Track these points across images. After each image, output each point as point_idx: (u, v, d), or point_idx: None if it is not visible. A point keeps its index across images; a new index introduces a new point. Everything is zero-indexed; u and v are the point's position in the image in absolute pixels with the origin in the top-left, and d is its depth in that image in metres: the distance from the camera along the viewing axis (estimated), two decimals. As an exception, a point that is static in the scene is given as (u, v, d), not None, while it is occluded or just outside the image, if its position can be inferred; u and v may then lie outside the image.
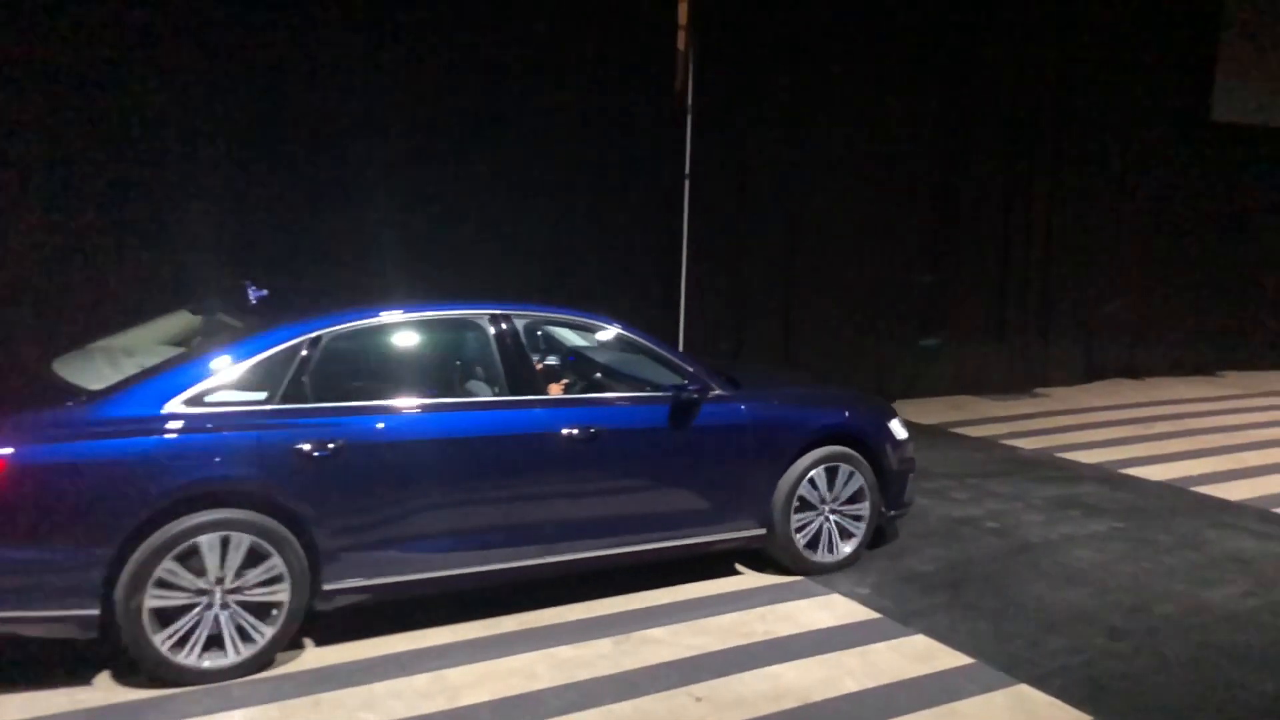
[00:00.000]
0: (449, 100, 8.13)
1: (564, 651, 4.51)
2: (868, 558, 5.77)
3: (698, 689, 4.22)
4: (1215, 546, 6.19)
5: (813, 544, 5.48)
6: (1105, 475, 7.81)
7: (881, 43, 10.04)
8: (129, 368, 4.39)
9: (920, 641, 4.74)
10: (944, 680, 4.37)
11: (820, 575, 5.47)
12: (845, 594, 5.26)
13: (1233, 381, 12.42)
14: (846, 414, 5.75)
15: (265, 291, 5.07)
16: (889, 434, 5.81)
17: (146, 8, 7.07)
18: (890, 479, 5.74)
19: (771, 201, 9.73)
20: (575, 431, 4.81)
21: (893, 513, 5.87)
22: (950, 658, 4.58)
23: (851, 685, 4.29)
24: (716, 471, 5.26)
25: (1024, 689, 4.30)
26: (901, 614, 5.04)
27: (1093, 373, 12.00)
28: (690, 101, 9.18)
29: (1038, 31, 11.01)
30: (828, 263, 10.01)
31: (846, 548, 5.59)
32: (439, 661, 4.38)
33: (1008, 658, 4.58)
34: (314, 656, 4.40)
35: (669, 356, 5.31)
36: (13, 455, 3.83)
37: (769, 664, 4.45)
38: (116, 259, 7.12)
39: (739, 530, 5.34)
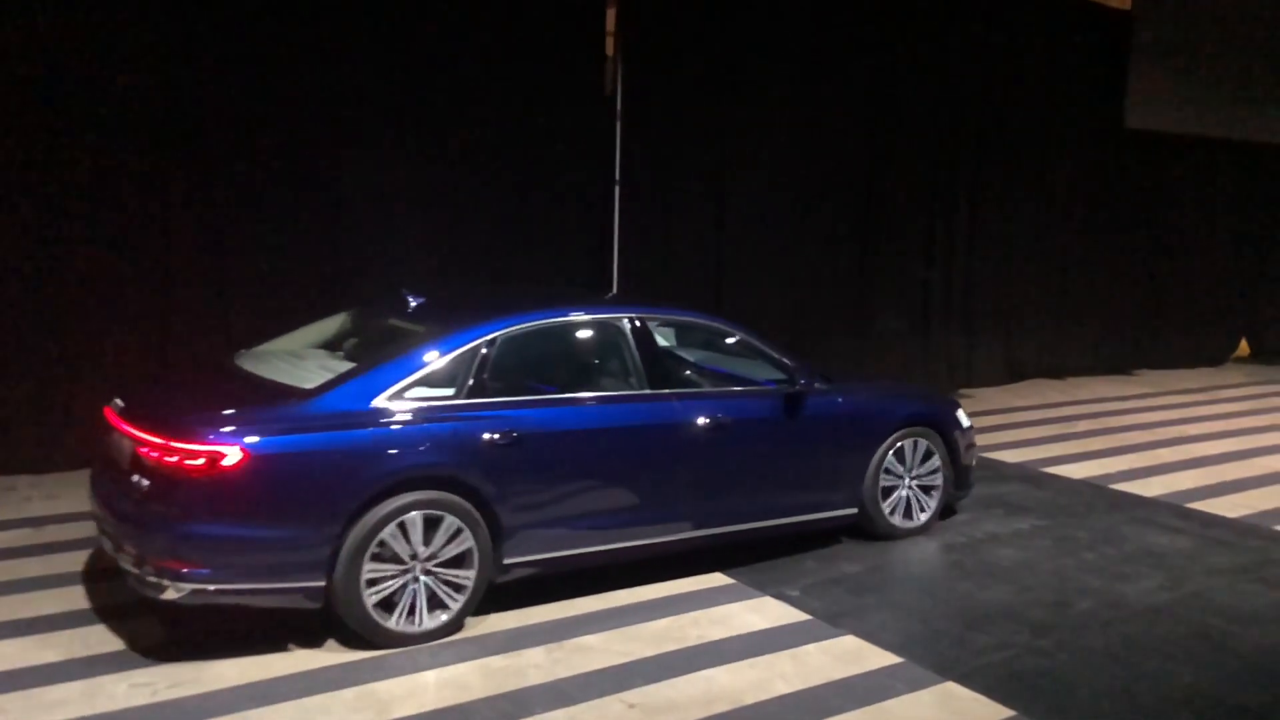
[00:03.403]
0: (384, 102, 8.05)
1: (496, 661, 4.48)
2: (797, 559, 5.86)
3: (630, 695, 4.22)
4: (1132, 542, 6.37)
5: (895, 513, 6.21)
6: (1028, 474, 7.99)
7: (808, 49, 10.16)
8: (312, 367, 4.96)
9: (850, 642, 4.80)
10: (873, 680, 4.43)
11: (906, 538, 6.23)
12: (776, 596, 5.31)
13: (1148, 380, 12.82)
14: (926, 404, 6.55)
15: (422, 298, 5.50)
16: (958, 422, 6.53)
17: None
18: (959, 461, 6.46)
19: (701, 204, 9.79)
20: (706, 421, 5.37)
21: (960, 492, 6.62)
22: (879, 657, 4.64)
23: (783, 687, 4.33)
24: (820, 457, 5.92)
25: (951, 686, 4.38)
26: (831, 615, 5.10)
27: (1016, 373, 12.28)
28: (620, 106, 9.19)
29: (960, 40, 11.24)
30: (757, 263, 10.10)
31: (925, 514, 6.34)
32: (367, 675, 4.32)
33: (935, 656, 4.66)
34: (241, 670, 4.31)
35: (775, 354, 5.85)
36: (252, 446, 4.27)
37: (701, 668, 4.47)
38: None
39: (837, 509, 6.02)
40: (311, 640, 4.60)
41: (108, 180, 7.10)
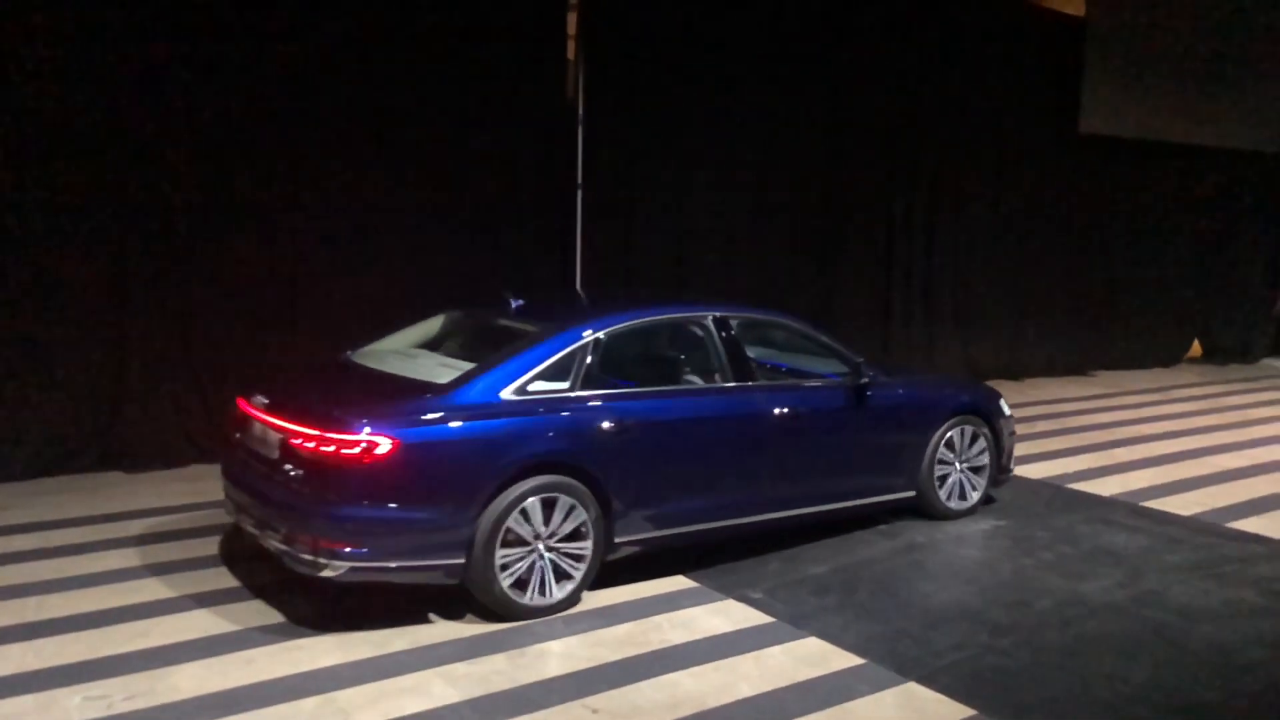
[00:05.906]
0: (345, 109, 7.96)
1: (459, 668, 4.45)
2: (761, 560, 5.87)
3: (594, 701, 4.20)
4: (1089, 541, 6.46)
5: (949, 495, 6.69)
6: (987, 474, 8.06)
7: (768, 53, 10.20)
8: (430, 364, 5.33)
9: (813, 644, 4.82)
10: (836, 681, 4.45)
11: (958, 519, 6.70)
12: (739, 599, 5.32)
13: (1104, 381, 13.00)
14: (974, 394, 7.05)
15: (522, 300, 5.89)
16: (1001, 410, 7.02)
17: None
18: (1003, 447, 6.96)
19: (663, 205, 9.78)
20: (787, 411, 5.81)
21: (1003, 475, 7.07)
22: (842, 659, 4.67)
23: (746, 690, 4.34)
24: (885, 443, 6.39)
25: (913, 687, 4.41)
26: (794, 617, 5.11)
27: (973, 375, 12.37)
28: (581, 111, 9.18)
29: (918, 46, 11.34)
30: (718, 264, 10.09)
31: (973, 497, 6.84)
32: (328, 683, 4.27)
33: (897, 657, 4.69)
34: (199, 680, 4.25)
35: (841, 348, 6.32)
36: (402, 436, 4.64)
37: (665, 672, 4.47)
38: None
39: (898, 492, 6.50)
40: (272, 648, 4.55)
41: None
